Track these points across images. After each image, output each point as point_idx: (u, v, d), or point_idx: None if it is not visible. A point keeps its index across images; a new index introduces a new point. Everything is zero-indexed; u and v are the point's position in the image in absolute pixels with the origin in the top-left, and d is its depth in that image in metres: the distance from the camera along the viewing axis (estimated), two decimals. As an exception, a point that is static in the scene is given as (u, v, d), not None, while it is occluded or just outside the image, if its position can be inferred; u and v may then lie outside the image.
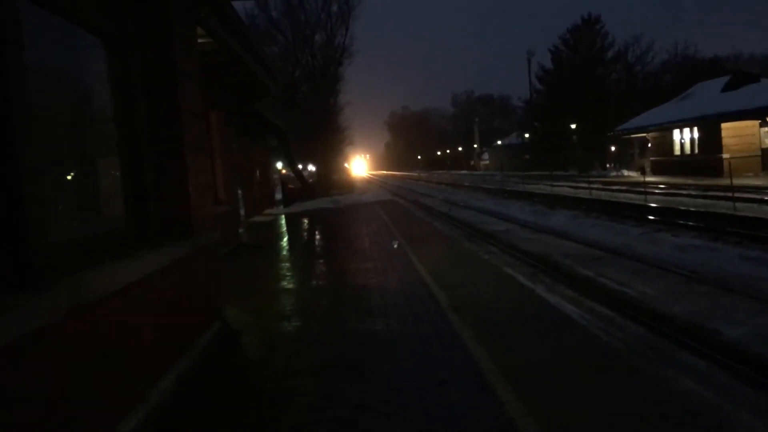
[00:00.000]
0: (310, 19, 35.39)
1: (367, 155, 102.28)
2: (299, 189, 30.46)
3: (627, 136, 42.30)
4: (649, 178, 28.10)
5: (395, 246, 11.12)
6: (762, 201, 16.37)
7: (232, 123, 14.24)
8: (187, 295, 4.81)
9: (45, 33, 3.32)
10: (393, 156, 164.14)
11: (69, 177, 3.80)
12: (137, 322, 3.67)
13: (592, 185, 27.68)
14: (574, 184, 32.20)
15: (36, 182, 2.75)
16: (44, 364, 2.55)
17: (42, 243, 2.78)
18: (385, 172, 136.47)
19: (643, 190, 22.11)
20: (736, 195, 16.28)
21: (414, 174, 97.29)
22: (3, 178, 2.59)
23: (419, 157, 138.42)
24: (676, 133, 34.43)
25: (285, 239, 14.99)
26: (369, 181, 68.26)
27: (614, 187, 27.77)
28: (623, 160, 51.96)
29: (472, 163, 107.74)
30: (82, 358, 2.89)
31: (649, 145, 38.78)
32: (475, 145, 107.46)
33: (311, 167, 48.60)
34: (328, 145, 37.63)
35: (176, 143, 4.82)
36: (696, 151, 32.47)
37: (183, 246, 4.63)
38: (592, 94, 56.12)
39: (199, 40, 6.74)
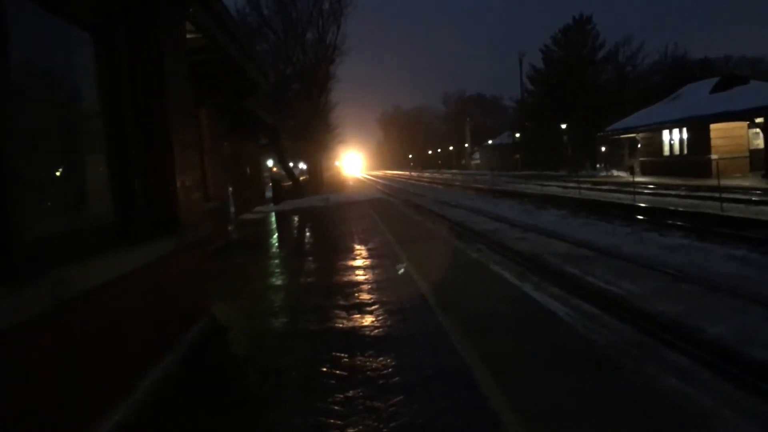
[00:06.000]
0: (301, 17, 35.24)
1: (360, 153, 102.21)
2: (290, 187, 30.39)
3: (617, 137, 42.44)
4: (638, 179, 28.26)
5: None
6: (749, 201, 16.51)
7: (222, 120, 14.22)
8: (173, 291, 4.80)
9: (31, 27, 3.30)
10: (385, 155, 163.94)
11: (55, 173, 3.78)
12: (121, 316, 3.66)
13: (582, 185, 27.85)
14: (563, 184, 32.36)
15: (19, 177, 2.75)
16: (26, 358, 2.55)
17: (25, 238, 2.77)
18: (377, 171, 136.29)
19: (632, 190, 22.27)
20: (724, 195, 16.42)
21: (406, 173, 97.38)
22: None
23: (410, 156, 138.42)
24: (666, 133, 34.60)
25: (275, 237, 14.96)
26: (360, 181, 68.19)
27: (604, 187, 27.93)
28: (613, 161, 52.12)
29: (463, 162, 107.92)
30: (64, 353, 2.89)
31: (639, 145, 38.95)
32: (466, 145, 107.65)
33: (302, 165, 48.53)
34: (319, 143, 37.54)
35: (164, 139, 4.82)
36: (685, 151, 32.63)
37: (170, 242, 4.63)
38: (582, 94, 56.37)
39: (189, 36, 6.72)
